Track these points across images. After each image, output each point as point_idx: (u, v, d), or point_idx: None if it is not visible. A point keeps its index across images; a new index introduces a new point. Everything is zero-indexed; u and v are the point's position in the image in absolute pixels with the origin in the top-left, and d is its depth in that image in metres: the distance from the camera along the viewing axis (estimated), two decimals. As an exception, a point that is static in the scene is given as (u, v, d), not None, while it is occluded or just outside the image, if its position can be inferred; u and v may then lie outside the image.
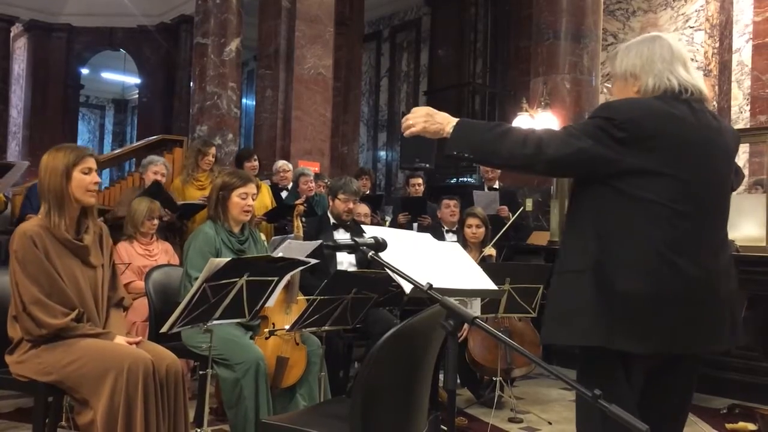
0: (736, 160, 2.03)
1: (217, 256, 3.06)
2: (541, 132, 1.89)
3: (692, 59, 8.69)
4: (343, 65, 10.91)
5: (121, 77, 16.75)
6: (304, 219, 4.25)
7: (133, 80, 15.80)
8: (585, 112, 7.34)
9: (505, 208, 5.87)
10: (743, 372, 4.52)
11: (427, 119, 1.97)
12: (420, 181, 6.58)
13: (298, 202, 4.85)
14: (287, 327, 2.99)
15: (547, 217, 7.01)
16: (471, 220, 4.60)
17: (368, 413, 1.73)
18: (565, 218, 2.01)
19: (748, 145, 7.22)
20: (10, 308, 2.46)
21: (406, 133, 2.00)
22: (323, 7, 7.53)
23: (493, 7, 11.51)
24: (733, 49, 8.41)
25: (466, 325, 3.05)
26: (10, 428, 3.49)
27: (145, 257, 4.25)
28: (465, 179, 10.27)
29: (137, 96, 16.04)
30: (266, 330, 3.14)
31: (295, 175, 6.01)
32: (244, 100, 14.27)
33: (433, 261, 2.11)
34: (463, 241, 4.54)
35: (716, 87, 8.48)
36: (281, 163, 6.35)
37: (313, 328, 2.99)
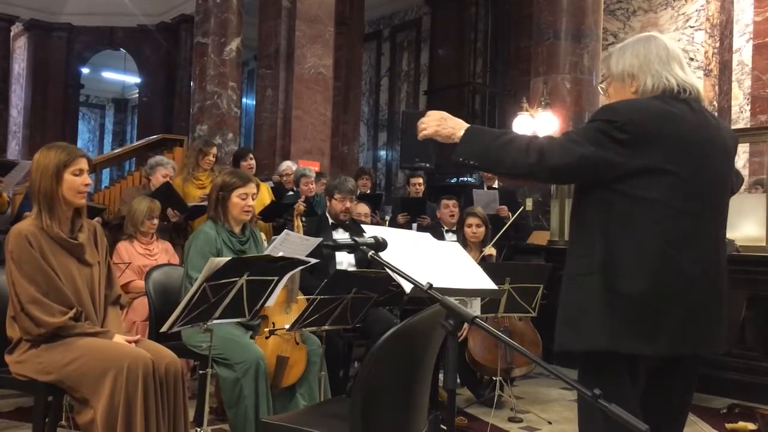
0: (735, 160, 2.03)
1: (218, 257, 3.06)
2: (544, 140, 1.88)
3: (692, 59, 8.71)
4: (344, 65, 10.91)
5: (122, 77, 16.76)
6: (304, 219, 4.24)
7: (134, 80, 15.80)
8: (585, 112, 7.34)
9: (505, 207, 5.87)
10: (743, 372, 4.52)
11: (440, 123, 1.97)
12: (420, 180, 6.57)
13: (298, 202, 4.84)
14: (287, 326, 2.99)
15: (547, 217, 7.01)
16: (471, 220, 4.60)
17: (368, 413, 1.73)
18: (569, 223, 2.01)
19: (748, 144, 7.22)
20: (8, 308, 2.46)
21: (420, 136, 2.01)
22: (323, 7, 7.52)
23: (493, 7, 11.51)
24: (734, 48, 8.41)
25: (466, 325, 3.05)
26: (10, 427, 3.49)
27: (145, 257, 4.25)
28: (465, 179, 10.27)
29: (137, 95, 16.04)
30: (266, 329, 3.14)
31: (296, 175, 6.00)
32: (244, 100, 14.28)
33: (433, 260, 2.11)
34: (463, 241, 4.54)
35: (716, 87, 8.48)
36: (286, 165, 6.33)
37: (313, 328, 2.99)
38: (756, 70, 7.99)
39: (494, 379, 4.05)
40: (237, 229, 3.32)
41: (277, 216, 5.36)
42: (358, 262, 4.06)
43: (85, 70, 15.23)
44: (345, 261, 4.09)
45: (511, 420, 3.94)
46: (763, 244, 4.79)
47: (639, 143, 1.79)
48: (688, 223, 1.81)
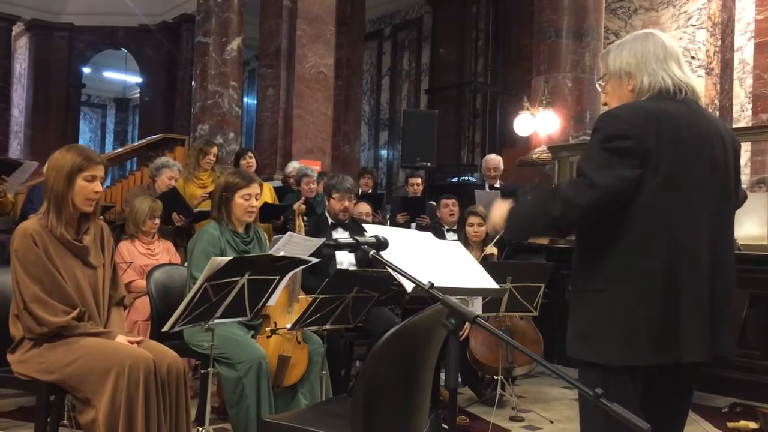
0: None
1: (221, 257, 3.06)
2: (563, 189, 1.86)
3: (694, 57, 8.68)
4: (345, 64, 10.92)
5: (123, 76, 16.79)
6: (305, 218, 4.24)
7: (135, 79, 15.83)
8: (587, 111, 7.34)
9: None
10: (745, 371, 4.52)
11: (494, 216, 2.03)
12: (419, 180, 6.56)
13: (297, 202, 4.84)
14: (289, 326, 2.99)
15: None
16: (472, 219, 4.60)
17: (370, 412, 1.73)
18: (575, 235, 2.00)
19: (750, 143, 7.21)
20: (11, 306, 2.47)
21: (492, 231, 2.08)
22: (324, 6, 7.53)
23: (494, 6, 11.52)
24: (735, 47, 8.40)
25: (467, 324, 3.05)
26: (12, 427, 3.49)
27: (146, 256, 4.25)
28: (466, 178, 10.27)
29: (138, 95, 16.08)
30: (268, 329, 3.14)
31: (298, 175, 5.99)
32: (245, 99, 14.30)
33: (434, 260, 2.11)
34: (465, 240, 4.54)
35: (718, 85, 8.47)
36: (293, 166, 6.32)
37: (315, 327, 2.99)
38: (757, 68, 7.97)
39: (496, 378, 4.05)
40: (241, 230, 3.30)
41: (273, 218, 5.34)
42: (359, 262, 4.06)
43: (86, 70, 15.26)
44: (345, 260, 4.09)
45: (512, 419, 3.94)
46: (765, 243, 4.78)
47: (642, 147, 1.78)
48: (696, 228, 1.80)
